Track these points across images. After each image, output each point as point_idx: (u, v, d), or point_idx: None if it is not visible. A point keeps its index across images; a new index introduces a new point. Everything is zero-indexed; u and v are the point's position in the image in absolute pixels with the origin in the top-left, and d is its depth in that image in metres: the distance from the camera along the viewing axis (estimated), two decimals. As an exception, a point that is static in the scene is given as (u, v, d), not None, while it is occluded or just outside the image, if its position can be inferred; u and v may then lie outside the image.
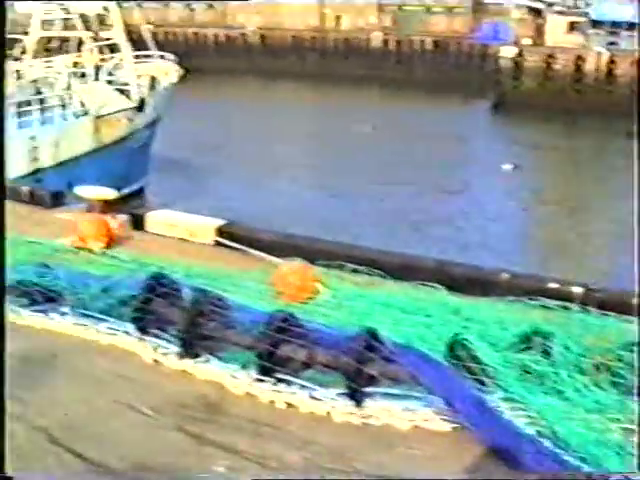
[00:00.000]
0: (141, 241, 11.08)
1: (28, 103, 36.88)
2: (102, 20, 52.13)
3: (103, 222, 10.93)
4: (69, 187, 36.64)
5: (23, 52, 46.39)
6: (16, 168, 34.61)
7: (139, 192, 43.83)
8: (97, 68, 43.45)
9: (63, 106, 38.19)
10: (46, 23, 48.77)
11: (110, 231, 10.85)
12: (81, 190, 12.33)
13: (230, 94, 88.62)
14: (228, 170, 48.88)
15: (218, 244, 10.97)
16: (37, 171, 36.60)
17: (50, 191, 12.97)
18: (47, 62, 44.82)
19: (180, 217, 11.49)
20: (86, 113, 39.30)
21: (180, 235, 11.21)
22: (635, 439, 6.12)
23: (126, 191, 40.56)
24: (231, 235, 10.95)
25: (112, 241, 10.76)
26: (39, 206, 12.66)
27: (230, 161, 51.00)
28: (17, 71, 41.73)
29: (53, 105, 37.97)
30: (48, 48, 48.84)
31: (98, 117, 39.72)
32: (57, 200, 12.82)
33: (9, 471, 4.88)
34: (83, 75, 42.34)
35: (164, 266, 9.57)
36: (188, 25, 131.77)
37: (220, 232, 11.08)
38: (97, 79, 42.17)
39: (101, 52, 46.06)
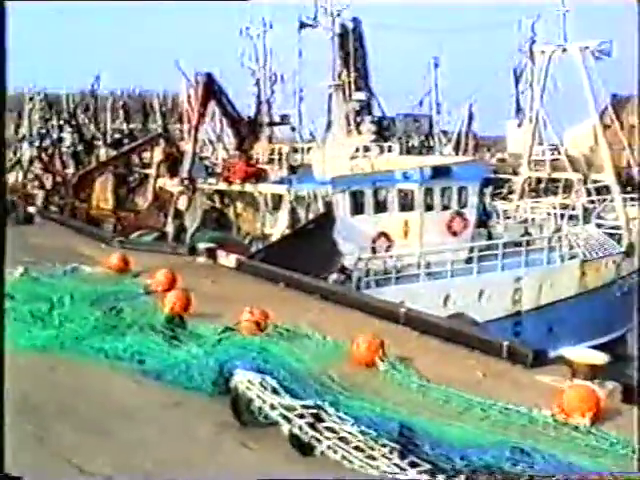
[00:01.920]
0: (633, 418, 9.41)
1: (515, 244, 36.49)
2: (589, 161, 51.30)
3: (591, 392, 9.41)
4: (549, 332, 35.74)
5: (510, 192, 46.64)
6: (496, 308, 34.18)
7: (621, 340, 41.73)
8: (586, 210, 42.37)
9: (551, 248, 37.31)
10: (535, 164, 48.86)
11: (598, 403, 9.31)
12: (567, 351, 10.91)
13: None
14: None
15: None
16: (517, 314, 35.88)
17: (532, 349, 11.66)
18: (535, 203, 44.55)
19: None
20: (574, 257, 38.08)
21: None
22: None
23: (606, 339, 38.64)
24: None
25: (598, 415, 9.21)
26: (519, 364, 11.42)
27: None
28: (504, 211, 41.80)
29: (540, 247, 37.22)
30: (535, 189, 48.74)
31: (585, 261, 38.34)
32: (538, 359, 11.48)
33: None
34: (571, 217, 41.43)
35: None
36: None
37: None
38: (587, 221, 41.01)
39: (589, 194, 45.07)
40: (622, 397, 10.01)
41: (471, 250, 34.60)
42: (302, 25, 40.55)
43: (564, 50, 45.72)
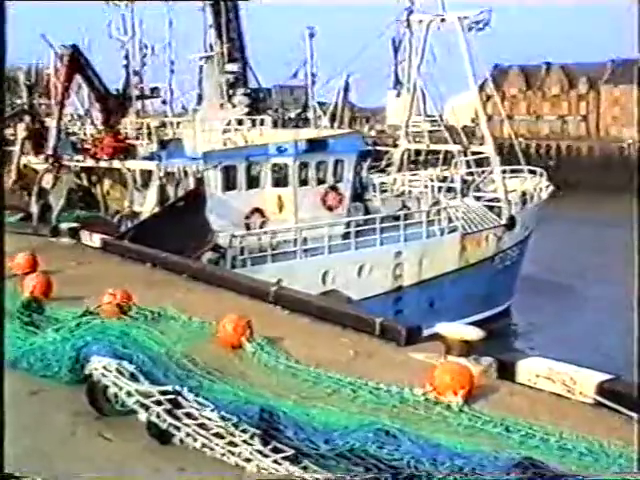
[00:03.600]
0: (507, 394, 9.46)
1: (394, 218, 36.71)
2: (470, 132, 51.92)
3: (465, 370, 9.41)
4: (431, 307, 36.25)
5: (389, 164, 46.90)
6: (376, 285, 34.43)
7: (504, 314, 42.58)
8: (465, 182, 42.92)
9: (430, 222, 37.66)
10: (414, 135, 49.23)
11: (471, 380, 9.33)
12: (441, 327, 10.93)
13: (604, 212, 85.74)
14: (598, 295, 46.32)
15: (599, 404, 9.13)
16: (399, 289, 36.21)
17: (405, 325, 11.66)
18: (413, 175, 44.93)
19: (557, 367, 9.73)
20: (453, 230, 38.54)
21: (554, 389, 9.49)
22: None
23: (489, 314, 39.34)
24: (614, 393, 9.09)
25: (471, 392, 9.24)
26: (392, 342, 11.40)
27: (600, 285, 48.23)
28: (382, 184, 42.00)
29: (419, 221, 37.53)
30: (415, 161, 49.10)
31: (465, 234, 38.85)
32: (412, 336, 11.47)
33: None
34: (450, 190, 41.92)
35: (534, 433, 7.99)
36: (560, 138, 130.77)
37: (601, 389, 9.24)
38: (465, 194, 41.55)
39: (469, 166, 45.66)
40: (497, 373, 10.06)
41: (348, 225, 34.72)
42: (170, -7, 40.13)
43: (443, 20, 46.13)
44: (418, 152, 50.46)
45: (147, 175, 33.66)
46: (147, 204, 32.31)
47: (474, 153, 46.63)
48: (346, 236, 34.40)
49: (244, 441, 7.22)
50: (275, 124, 39.24)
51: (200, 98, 40.66)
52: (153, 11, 47.22)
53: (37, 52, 54.06)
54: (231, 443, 7.28)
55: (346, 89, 54.97)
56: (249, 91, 40.00)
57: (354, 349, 10.90)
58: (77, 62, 34.16)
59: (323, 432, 7.36)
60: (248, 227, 32.62)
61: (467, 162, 45.78)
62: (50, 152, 33.79)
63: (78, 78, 35.27)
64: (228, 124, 37.03)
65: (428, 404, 8.89)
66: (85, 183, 35.80)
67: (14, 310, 11.95)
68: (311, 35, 47.22)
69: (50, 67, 46.73)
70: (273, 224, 33.14)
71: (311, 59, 45.40)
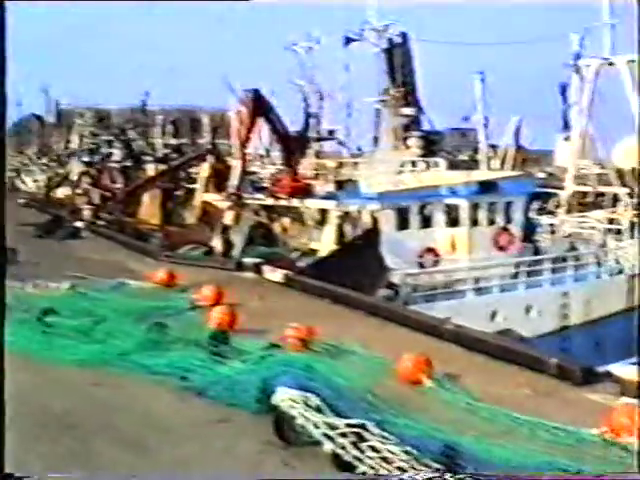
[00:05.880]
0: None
1: (562, 259, 36.00)
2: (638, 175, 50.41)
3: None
4: (596, 346, 35.24)
5: (557, 206, 46.01)
6: (544, 325, 33.72)
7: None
8: (632, 225, 41.78)
9: (598, 263, 36.82)
10: (581, 178, 48.13)
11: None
12: (615, 368, 10.65)
13: None
14: None
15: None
16: (564, 328, 35.39)
17: (580, 366, 11.40)
18: (581, 217, 43.97)
19: None
20: (620, 271, 37.52)
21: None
22: None
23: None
24: None
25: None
26: (567, 381, 11.16)
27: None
28: (551, 225, 41.25)
29: (587, 262, 36.74)
30: (582, 202, 48.05)
31: (632, 276, 37.75)
32: (588, 376, 11.21)
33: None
34: (618, 232, 40.85)
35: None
36: None
37: None
38: (632, 236, 40.43)
39: (637, 208, 44.42)
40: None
41: (518, 265, 34.20)
42: (348, 40, 40.55)
43: (610, 64, 45.12)
44: (585, 194, 49.44)
45: (323, 213, 33.93)
46: (325, 242, 32.54)
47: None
48: (515, 276, 33.89)
49: (426, 475, 7.17)
50: (451, 166, 39.06)
51: (375, 140, 40.87)
52: (330, 56, 47.85)
53: (220, 96, 55.44)
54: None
55: (517, 132, 54.38)
56: (422, 134, 39.95)
57: (530, 388, 10.72)
58: (259, 105, 34.78)
59: (503, 469, 7.26)
60: (421, 265, 32.44)
61: (634, 204, 44.52)
62: (233, 190, 34.30)
63: (260, 120, 35.91)
64: (402, 166, 37.10)
65: (605, 444, 8.65)
66: (264, 220, 36.34)
67: (202, 340, 12.17)
68: (482, 80, 46.92)
69: (232, 110, 47.93)
70: (445, 263, 32.90)
71: (484, 103, 45.17)
